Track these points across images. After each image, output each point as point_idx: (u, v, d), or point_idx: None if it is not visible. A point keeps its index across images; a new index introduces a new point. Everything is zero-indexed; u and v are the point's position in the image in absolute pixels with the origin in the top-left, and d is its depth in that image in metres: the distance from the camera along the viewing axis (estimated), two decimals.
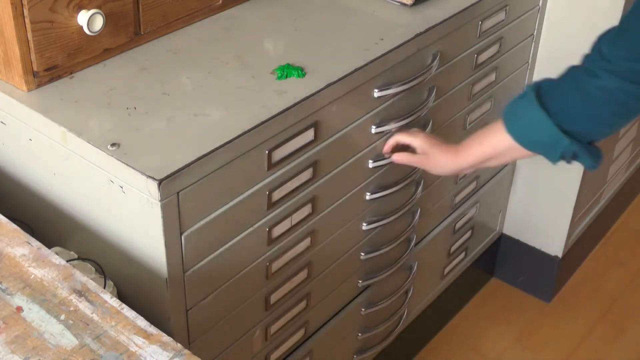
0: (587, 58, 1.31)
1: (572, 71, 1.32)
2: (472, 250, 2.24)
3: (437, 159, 1.54)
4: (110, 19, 1.37)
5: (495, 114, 2.04)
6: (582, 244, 2.48)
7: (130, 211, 1.23)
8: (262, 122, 1.29)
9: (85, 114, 1.29)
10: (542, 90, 1.33)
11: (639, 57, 1.24)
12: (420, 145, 1.55)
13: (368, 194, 1.65)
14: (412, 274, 1.92)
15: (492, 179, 2.18)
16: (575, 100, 1.29)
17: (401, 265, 1.84)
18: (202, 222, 1.26)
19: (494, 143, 1.41)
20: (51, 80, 1.34)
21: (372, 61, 1.47)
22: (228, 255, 1.35)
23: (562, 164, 1.37)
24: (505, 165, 2.17)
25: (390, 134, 1.60)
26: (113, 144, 1.21)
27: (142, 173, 1.17)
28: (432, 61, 1.64)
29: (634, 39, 1.26)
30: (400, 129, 1.62)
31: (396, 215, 1.75)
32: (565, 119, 1.30)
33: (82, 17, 1.31)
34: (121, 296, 1.29)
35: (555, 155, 1.33)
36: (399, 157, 1.59)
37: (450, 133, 1.89)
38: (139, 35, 1.45)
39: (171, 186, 1.17)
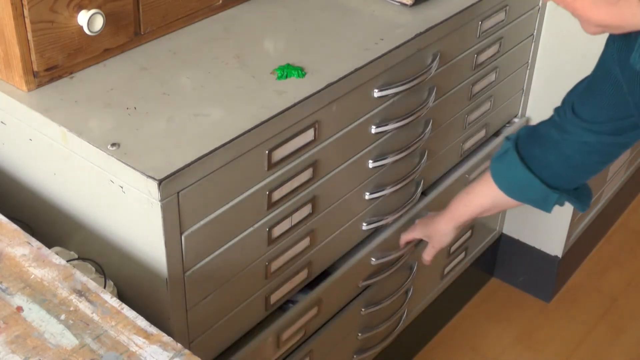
0: (559, 114, 1.36)
1: (546, 129, 1.38)
2: (472, 250, 2.24)
3: (436, 232, 1.66)
4: (110, 19, 1.37)
5: (494, 113, 2.05)
6: (582, 244, 2.48)
7: (130, 211, 1.23)
8: (262, 122, 1.29)
9: (85, 114, 1.29)
10: (522, 148, 1.39)
11: (610, 115, 1.29)
12: (420, 232, 1.72)
13: (368, 193, 1.65)
14: (412, 273, 1.92)
15: None
16: (557, 161, 1.38)
17: (401, 265, 1.84)
18: (202, 222, 1.26)
19: (482, 197, 1.51)
20: (51, 80, 1.35)
21: (372, 61, 1.47)
22: (228, 255, 1.35)
23: None
24: None
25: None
26: (113, 144, 1.21)
27: (142, 173, 1.17)
28: (432, 61, 1.64)
29: (601, 97, 1.30)
30: (405, 229, 1.76)
31: (396, 215, 1.75)
32: (550, 177, 1.38)
33: (82, 17, 1.31)
34: (121, 296, 1.29)
35: (548, 206, 1.41)
36: (427, 260, 1.74)
37: (450, 133, 1.89)
38: (139, 35, 1.45)
39: (171, 186, 1.17)
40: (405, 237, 1.76)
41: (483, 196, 1.51)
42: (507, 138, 1.44)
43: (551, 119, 1.38)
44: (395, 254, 1.77)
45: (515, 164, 1.39)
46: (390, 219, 1.74)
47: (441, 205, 1.74)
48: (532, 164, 1.38)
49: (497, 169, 1.45)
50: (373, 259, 1.70)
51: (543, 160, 1.37)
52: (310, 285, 1.62)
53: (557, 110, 1.37)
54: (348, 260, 1.69)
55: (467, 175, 1.96)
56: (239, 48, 1.48)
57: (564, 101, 1.36)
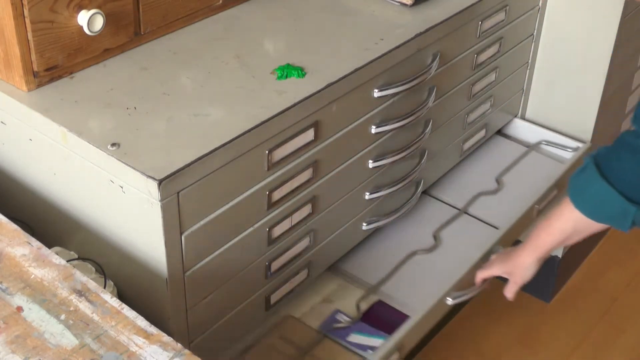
0: (636, 121, 1.32)
1: (625, 138, 1.33)
2: None
3: (517, 266, 1.57)
4: (110, 19, 1.37)
5: (494, 113, 2.05)
6: (582, 244, 2.47)
7: (130, 211, 1.23)
8: (262, 122, 1.29)
9: (86, 114, 1.29)
10: (600, 161, 1.33)
11: None
12: (499, 268, 1.62)
13: (367, 193, 1.65)
14: None
15: None
16: (635, 170, 1.30)
17: None
18: (202, 222, 1.26)
19: (564, 223, 1.43)
20: (51, 80, 1.35)
21: (372, 61, 1.47)
22: (228, 255, 1.35)
23: None
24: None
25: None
26: (113, 144, 1.21)
27: (142, 173, 1.17)
28: (432, 61, 1.64)
29: None
30: (480, 266, 1.66)
31: (396, 215, 1.75)
32: (629, 188, 1.31)
33: (82, 17, 1.31)
34: (121, 296, 1.29)
35: (626, 224, 1.34)
36: (511, 297, 1.64)
37: (450, 133, 1.89)
38: (139, 35, 1.45)
39: (171, 186, 1.17)
40: (482, 275, 1.67)
41: (564, 220, 1.44)
42: (587, 156, 1.41)
43: (629, 130, 1.35)
44: (473, 293, 1.67)
45: (593, 177, 1.33)
46: (390, 218, 1.74)
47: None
48: (611, 176, 1.32)
49: (575, 185, 1.39)
50: (449, 299, 1.63)
51: (621, 170, 1.30)
52: (387, 329, 1.58)
53: (633, 119, 1.34)
54: (426, 301, 1.61)
55: (536, 206, 1.89)
56: (239, 48, 1.48)
57: (638, 108, 1.33)
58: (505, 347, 2.30)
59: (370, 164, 1.61)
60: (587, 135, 2.11)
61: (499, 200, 1.94)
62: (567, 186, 1.40)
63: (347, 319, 1.59)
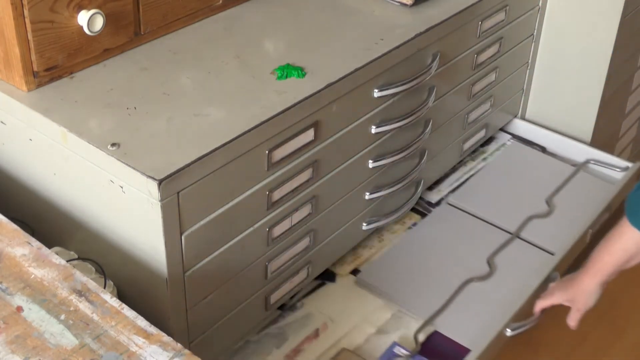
0: None
1: None
2: None
3: (580, 293, 1.55)
4: (110, 19, 1.37)
5: (494, 113, 2.05)
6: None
7: (130, 211, 1.23)
8: (262, 122, 1.29)
9: (85, 114, 1.29)
10: None
11: None
12: (560, 296, 1.59)
13: (368, 193, 1.65)
14: None
15: None
16: None
17: None
18: (202, 222, 1.26)
19: (625, 243, 1.40)
20: (51, 80, 1.34)
21: (372, 61, 1.47)
22: (228, 255, 1.35)
23: None
24: None
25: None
26: (113, 144, 1.21)
27: (142, 173, 1.17)
28: (432, 61, 1.64)
29: None
30: (538, 296, 1.62)
31: (396, 215, 1.75)
32: None
33: (82, 17, 1.31)
34: (121, 296, 1.29)
35: None
36: (573, 326, 1.62)
37: (450, 133, 1.89)
38: (139, 35, 1.45)
39: (171, 186, 1.17)
40: (542, 304, 1.63)
41: (625, 241, 1.41)
42: None
43: None
44: (532, 323, 1.63)
45: None
46: (390, 218, 1.74)
47: None
48: None
49: (631, 203, 1.36)
50: (509, 330, 1.58)
51: None
52: None
53: None
54: (484, 333, 1.56)
55: (590, 230, 1.84)
56: (239, 48, 1.48)
57: None
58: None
59: (370, 164, 1.61)
60: (587, 135, 2.11)
61: (551, 223, 1.87)
62: (623, 207, 1.38)
63: (406, 352, 1.53)
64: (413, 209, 1.87)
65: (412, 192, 1.80)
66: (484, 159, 2.06)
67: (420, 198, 1.90)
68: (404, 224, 1.83)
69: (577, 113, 2.11)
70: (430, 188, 1.93)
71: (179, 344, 1.03)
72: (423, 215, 1.87)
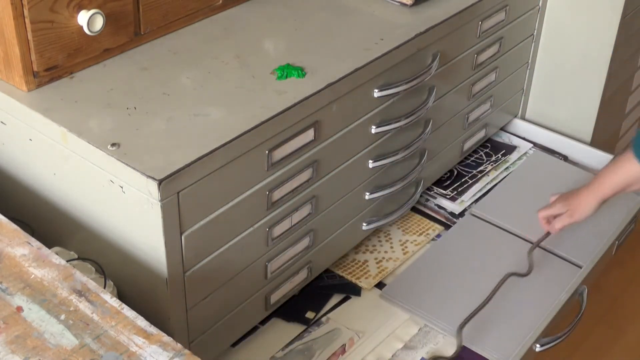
0: None
1: None
2: None
3: (579, 204, 1.69)
4: (110, 19, 1.37)
5: (494, 113, 2.05)
6: None
7: (130, 211, 1.23)
8: (262, 122, 1.29)
9: (85, 114, 1.29)
10: None
11: None
12: (560, 207, 1.73)
13: (368, 193, 1.65)
14: None
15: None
16: None
17: None
18: (202, 222, 1.26)
19: (626, 172, 1.59)
20: (51, 80, 1.35)
21: (372, 61, 1.47)
22: (228, 255, 1.35)
23: None
24: None
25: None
26: (113, 144, 1.21)
27: (142, 173, 1.17)
28: (432, 61, 1.64)
29: None
30: (541, 209, 1.76)
31: (396, 215, 1.75)
32: None
33: (82, 17, 1.31)
34: (121, 296, 1.29)
35: None
36: (556, 228, 1.75)
37: (450, 133, 1.89)
38: (139, 35, 1.45)
39: (171, 186, 1.17)
40: (544, 213, 1.76)
41: (626, 169, 1.59)
42: None
43: None
44: (562, 338, 1.64)
45: None
46: (390, 218, 1.74)
47: None
48: None
49: (638, 139, 1.53)
50: (537, 346, 1.58)
51: None
52: None
53: None
54: (513, 348, 1.54)
55: (617, 242, 1.84)
56: (239, 48, 1.48)
57: None
58: None
59: (370, 164, 1.61)
60: (587, 135, 2.11)
61: (577, 234, 1.82)
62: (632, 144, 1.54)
63: None
64: (436, 220, 1.86)
65: (412, 192, 1.80)
66: (506, 168, 2.04)
67: (443, 209, 1.89)
68: (428, 235, 1.81)
69: (577, 113, 2.11)
70: (453, 199, 1.92)
71: (179, 344, 1.03)
72: (447, 226, 1.84)
